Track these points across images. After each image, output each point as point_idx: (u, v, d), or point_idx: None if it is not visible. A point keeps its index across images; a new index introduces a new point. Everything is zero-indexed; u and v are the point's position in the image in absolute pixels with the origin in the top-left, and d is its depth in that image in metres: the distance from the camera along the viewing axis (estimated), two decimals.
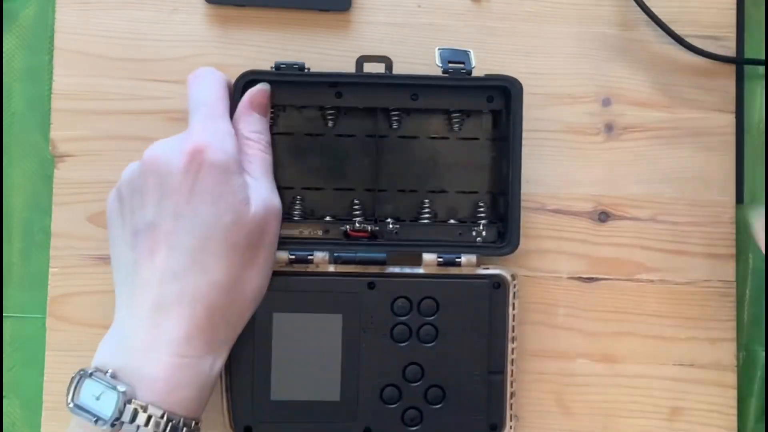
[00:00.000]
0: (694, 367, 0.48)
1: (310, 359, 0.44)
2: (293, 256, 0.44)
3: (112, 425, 0.36)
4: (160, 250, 0.39)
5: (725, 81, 0.49)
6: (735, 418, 0.48)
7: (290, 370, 0.43)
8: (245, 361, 0.43)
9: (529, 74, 0.49)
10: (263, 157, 0.43)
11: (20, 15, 0.50)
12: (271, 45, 0.49)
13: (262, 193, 0.41)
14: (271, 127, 0.45)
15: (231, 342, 0.41)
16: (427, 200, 0.46)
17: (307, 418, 0.43)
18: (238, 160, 0.41)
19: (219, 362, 0.40)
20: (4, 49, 0.49)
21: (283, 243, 0.44)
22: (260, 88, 0.44)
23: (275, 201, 0.42)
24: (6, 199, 0.49)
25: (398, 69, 0.49)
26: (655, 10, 0.48)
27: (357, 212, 0.46)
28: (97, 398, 0.36)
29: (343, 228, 0.46)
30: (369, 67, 0.45)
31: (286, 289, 0.44)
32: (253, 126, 0.43)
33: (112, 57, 0.48)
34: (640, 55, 0.49)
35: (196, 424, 0.39)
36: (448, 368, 0.44)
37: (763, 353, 0.49)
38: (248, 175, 0.42)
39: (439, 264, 0.44)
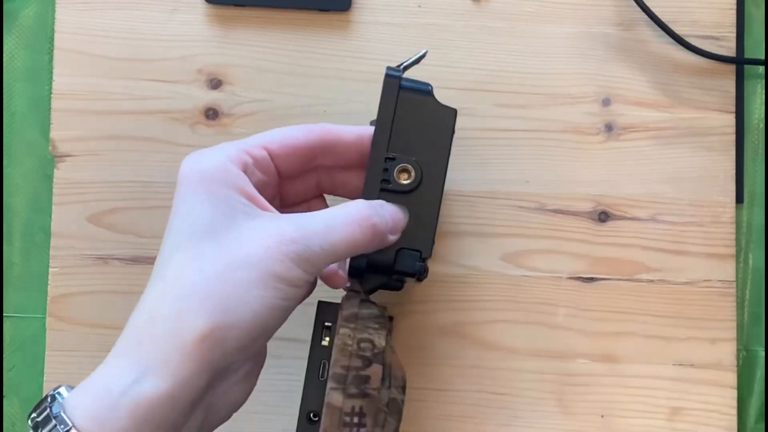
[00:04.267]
0: (694, 367, 0.48)
1: None
2: None
3: None
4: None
5: (725, 81, 0.49)
6: (735, 418, 0.47)
7: None
8: None
9: (529, 74, 0.49)
10: (341, 227, 0.35)
11: (20, 15, 0.50)
12: (271, 45, 0.49)
13: (275, 227, 0.33)
14: None
15: None
16: None
17: None
18: (237, 171, 0.35)
19: None
20: (4, 49, 0.49)
21: None
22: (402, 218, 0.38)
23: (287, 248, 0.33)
24: (6, 199, 0.49)
25: None
26: (655, 10, 0.48)
27: None
28: None
29: None
30: None
31: None
32: (366, 206, 0.36)
33: (112, 57, 0.48)
34: (640, 55, 0.49)
35: None
36: None
37: (763, 353, 0.49)
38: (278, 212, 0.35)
39: None
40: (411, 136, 0.39)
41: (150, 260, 0.47)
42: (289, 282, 0.33)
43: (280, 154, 0.37)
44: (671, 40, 0.49)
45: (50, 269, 0.47)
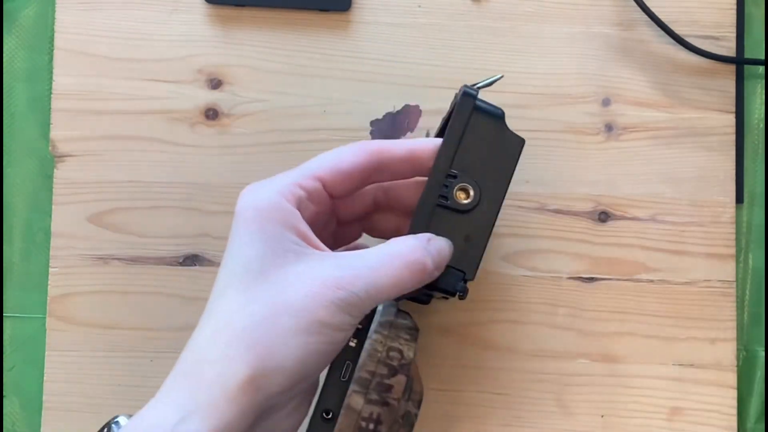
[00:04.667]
0: (694, 367, 0.48)
1: None
2: None
3: None
4: None
5: (725, 81, 0.49)
6: (735, 418, 0.47)
7: None
8: None
9: (529, 74, 0.49)
10: (381, 267, 0.34)
11: (20, 15, 0.50)
12: (271, 45, 0.49)
13: (320, 271, 0.34)
14: None
15: None
16: None
17: None
18: (289, 207, 0.35)
19: None
20: (5, 49, 0.49)
21: None
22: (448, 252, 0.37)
23: (336, 295, 0.33)
24: (6, 199, 0.49)
25: (398, 69, 0.49)
26: (655, 10, 0.48)
27: None
28: None
29: None
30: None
31: None
32: (410, 248, 0.35)
33: (112, 57, 0.48)
34: (640, 55, 0.49)
35: None
36: None
37: (763, 353, 0.49)
38: (326, 250, 0.35)
39: None
40: (475, 157, 0.38)
41: (150, 260, 0.47)
42: (334, 327, 0.33)
43: (333, 182, 0.37)
44: (671, 40, 0.49)
45: (50, 269, 0.47)
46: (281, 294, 0.33)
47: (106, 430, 0.34)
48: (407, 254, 0.35)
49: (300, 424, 0.36)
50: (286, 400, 0.34)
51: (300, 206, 0.35)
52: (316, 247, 0.35)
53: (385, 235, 0.41)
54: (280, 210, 0.34)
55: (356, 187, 0.38)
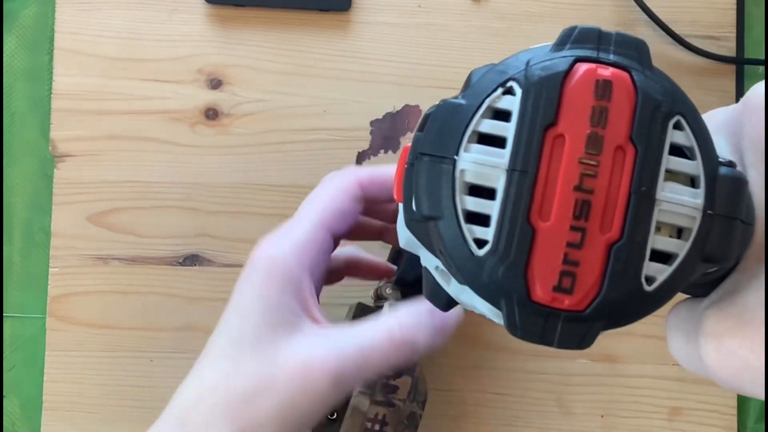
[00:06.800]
0: None
1: None
2: None
3: None
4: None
5: (725, 81, 0.49)
6: (735, 418, 0.47)
7: None
8: None
9: None
10: (383, 341, 0.33)
11: (20, 15, 0.50)
12: (271, 45, 0.49)
13: (308, 350, 0.33)
14: None
15: None
16: None
17: None
18: (298, 269, 0.34)
19: None
20: (5, 49, 0.49)
21: None
22: (455, 323, 0.35)
23: (323, 370, 0.33)
24: (6, 199, 0.49)
25: (398, 69, 0.49)
26: (655, 10, 0.48)
27: None
28: None
29: None
30: None
31: None
32: (410, 315, 0.34)
33: (112, 57, 0.48)
34: None
35: None
36: None
37: None
38: (324, 324, 0.35)
39: None
40: None
41: (150, 260, 0.47)
42: (311, 408, 0.33)
43: (339, 229, 0.37)
44: (671, 40, 0.49)
45: (50, 269, 0.47)
46: (268, 369, 0.33)
47: None
48: (396, 334, 0.34)
49: None
50: None
51: (313, 264, 0.35)
52: (314, 319, 0.35)
53: (393, 242, 0.41)
54: (288, 276, 0.34)
55: (361, 213, 0.38)
